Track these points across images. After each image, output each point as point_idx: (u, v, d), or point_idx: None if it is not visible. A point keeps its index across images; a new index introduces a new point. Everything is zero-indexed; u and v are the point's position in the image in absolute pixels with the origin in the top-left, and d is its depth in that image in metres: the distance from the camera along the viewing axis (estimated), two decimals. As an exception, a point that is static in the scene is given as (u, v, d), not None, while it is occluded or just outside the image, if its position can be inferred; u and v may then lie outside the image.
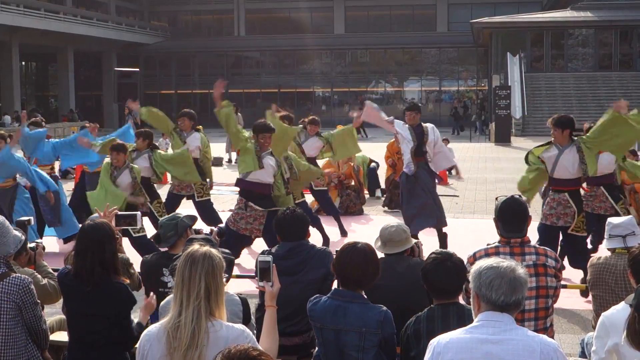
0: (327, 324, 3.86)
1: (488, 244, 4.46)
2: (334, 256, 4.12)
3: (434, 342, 3.06)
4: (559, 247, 7.46)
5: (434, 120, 44.76)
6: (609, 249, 5.11)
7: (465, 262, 4.05)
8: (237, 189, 8.32)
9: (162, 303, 3.80)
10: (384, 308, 3.85)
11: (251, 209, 7.89)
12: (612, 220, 5.20)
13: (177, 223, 5.00)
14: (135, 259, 5.95)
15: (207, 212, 9.84)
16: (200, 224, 10.14)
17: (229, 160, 22.56)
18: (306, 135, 10.73)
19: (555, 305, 4.55)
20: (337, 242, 9.76)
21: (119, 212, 5.11)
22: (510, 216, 4.35)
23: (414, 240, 4.84)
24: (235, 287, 7.38)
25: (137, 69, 14.87)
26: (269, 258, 3.64)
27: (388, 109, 50.34)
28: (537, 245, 4.43)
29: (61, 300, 5.03)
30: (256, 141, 7.87)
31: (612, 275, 4.84)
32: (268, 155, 7.92)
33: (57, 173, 10.28)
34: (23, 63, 48.52)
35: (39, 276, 4.54)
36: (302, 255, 4.74)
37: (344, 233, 10.55)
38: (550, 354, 2.90)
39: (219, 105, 7.81)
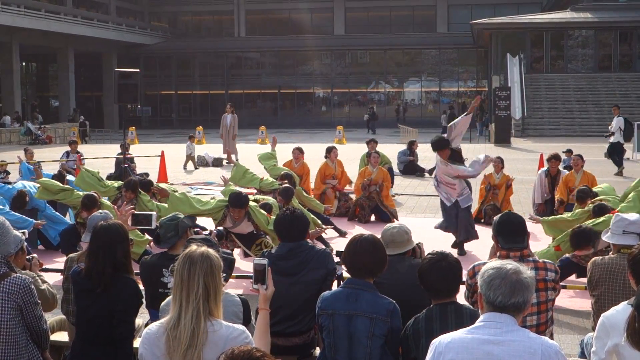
0: (339, 309, 3.92)
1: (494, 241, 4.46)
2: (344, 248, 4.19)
3: (435, 342, 3.07)
4: None
5: (433, 121, 44.94)
6: (615, 246, 5.06)
7: (465, 276, 4.08)
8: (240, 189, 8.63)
9: (163, 303, 3.81)
10: (393, 301, 3.92)
11: (230, 241, 8.35)
12: (626, 216, 5.11)
13: (178, 224, 4.99)
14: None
15: None
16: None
17: (228, 162, 22.56)
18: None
19: (556, 306, 4.56)
20: (338, 243, 9.77)
21: (136, 212, 5.12)
22: (508, 228, 4.40)
23: (415, 242, 4.85)
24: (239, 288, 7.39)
25: (138, 70, 14.83)
26: (265, 261, 3.65)
27: (388, 110, 50.58)
28: (537, 259, 4.44)
29: (60, 301, 5.05)
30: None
31: (617, 276, 4.82)
32: (244, 221, 8.07)
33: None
34: (23, 63, 48.54)
35: (40, 280, 4.55)
36: (302, 256, 4.74)
37: (342, 233, 10.60)
38: (552, 355, 2.90)
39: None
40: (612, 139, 19.58)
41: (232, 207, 7.91)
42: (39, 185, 9.66)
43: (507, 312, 2.97)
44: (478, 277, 3.07)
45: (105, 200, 9.03)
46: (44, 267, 7.72)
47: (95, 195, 8.62)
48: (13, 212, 9.16)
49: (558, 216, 9.10)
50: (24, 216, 9.22)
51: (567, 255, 7.45)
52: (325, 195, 12.55)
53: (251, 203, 8.06)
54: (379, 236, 4.35)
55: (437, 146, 9.35)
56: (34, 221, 9.23)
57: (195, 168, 21.16)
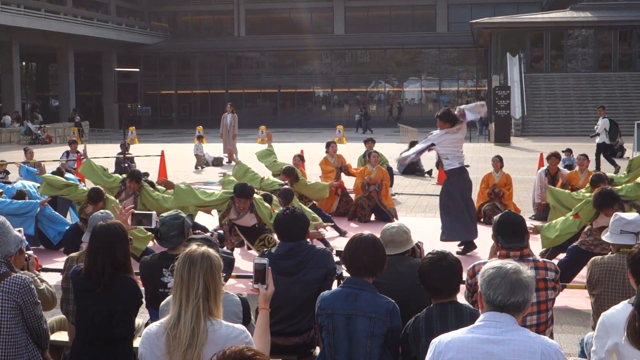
0: (339, 309, 3.92)
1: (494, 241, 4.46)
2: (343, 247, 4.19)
3: (435, 341, 3.07)
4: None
5: (433, 120, 44.86)
6: (614, 245, 5.06)
7: (465, 276, 4.09)
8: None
9: (162, 303, 3.81)
10: (392, 300, 3.93)
11: (235, 236, 8.37)
12: (624, 215, 5.10)
13: (183, 223, 4.90)
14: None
15: None
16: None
17: (229, 161, 22.56)
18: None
19: (555, 306, 4.56)
20: (338, 243, 9.77)
21: (135, 211, 5.09)
22: (508, 228, 4.41)
23: (415, 241, 4.84)
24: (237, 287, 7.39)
25: (138, 69, 14.83)
26: (265, 260, 3.65)
27: (388, 109, 50.59)
28: (537, 258, 4.43)
29: (60, 301, 5.05)
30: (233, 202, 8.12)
31: (616, 275, 4.82)
32: (248, 213, 8.09)
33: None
34: (23, 63, 48.55)
35: (38, 280, 4.56)
36: (302, 256, 4.74)
37: (341, 233, 10.60)
38: (552, 355, 2.90)
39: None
40: (597, 140, 19.92)
41: (237, 197, 7.95)
42: (41, 182, 9.67)
43: (507, 311, 2.97)
44: (478, 277, 3.08)
45: (110, 196, 9.02)
46: (44, 267, 7.75)
47: (101, 189, 8.63)
48: (16, 201, 9.21)
49: (566, 190, 9.07)
50: (27, 200, 9.26)
51: (575, 243, 7.45)
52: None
53: (255, 196, 8.10)
54: (378, 236, 4.35)
55: (442, 118, 9.22)
56: (38, 201, 9.26)
57: (195, 168, 21.17)
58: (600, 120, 20.51)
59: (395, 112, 50.41)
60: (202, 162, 21.63)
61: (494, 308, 2.99)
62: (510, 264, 3.04)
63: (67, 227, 9.41)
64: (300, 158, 12.67)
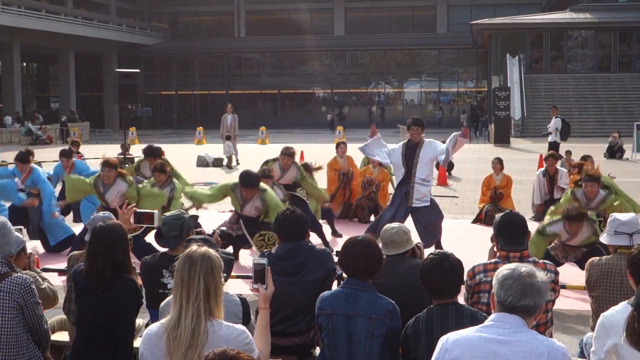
0: (338, 309, 3.93)
1: (493, 245, 4.44)
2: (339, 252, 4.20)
3: (443, 339, 3.09)
4: None
5: (433, 121, 45.01)
6: (610, 246, 5.08)
7: (465, 277, 4.10)
8: None
9: (162, 304, 3.82)
10: (392, 301, 3.93)
11: (238, 226, 8.49)
12: (618, 216, 5.11)
13: (183, 224, 4.88)
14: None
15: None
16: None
17: (229, 163, 22.59)
18: (280, 168, 10.19)
19: (555, 306, 4.58)
20: (332, 243, 9.78)
21: (138, 210, 5.07)
22: (509, 229, 4.41)
23: (415, 242, 4.85)
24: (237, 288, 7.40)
25: (138, 70, 14.84)
26: (264, 260, 3.66)
27: (388, 109, 50.53)
28: (537, 260, 4.44)
29: (61, 300, 5.06)
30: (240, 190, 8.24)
31: (614, 276, 4.83)
32: (253, 200, 8.24)
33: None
34: (24, 64, 48.52)
35: (40, 279, 4.57)
36: (302, 256, 4.75)
37: (335, 233, 10.60)
38: (558, 358, 2.91)
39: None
40: (549, 139, 20.59)
41: (244, 188, 8.04)
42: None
43: (516, 313, 2.98)
44: (493, 277, 3.10)
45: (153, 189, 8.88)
46: (44, 267, 7.76)
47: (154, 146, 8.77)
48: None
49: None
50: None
51: (547, 247, 7.56)
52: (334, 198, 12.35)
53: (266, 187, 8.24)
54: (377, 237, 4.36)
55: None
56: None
57: (229, 167, 21.29)
58: (552, 120, 21.70)
59: (377, 114, 50.52)
60: (230, 161, 21.96)
61: (504, 309, 3.00)
62: (525, 267, 3.05)
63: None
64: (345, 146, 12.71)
